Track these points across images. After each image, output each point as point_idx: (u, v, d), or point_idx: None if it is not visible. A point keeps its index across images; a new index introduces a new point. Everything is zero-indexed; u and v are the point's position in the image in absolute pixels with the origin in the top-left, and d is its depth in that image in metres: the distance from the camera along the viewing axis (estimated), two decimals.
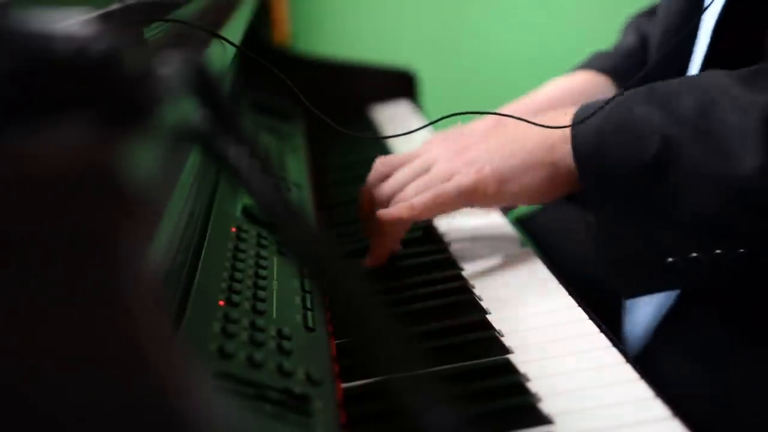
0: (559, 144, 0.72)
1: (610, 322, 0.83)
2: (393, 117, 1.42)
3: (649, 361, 0.78)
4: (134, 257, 0.27)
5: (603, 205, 0.68)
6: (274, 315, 0.61)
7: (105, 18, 0.66)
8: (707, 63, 0.76)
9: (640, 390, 0.54)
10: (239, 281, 0.64)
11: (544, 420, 0.52)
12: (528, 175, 0.73)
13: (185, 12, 0.84)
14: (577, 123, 0.70)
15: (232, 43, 0.67)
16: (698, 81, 0.68)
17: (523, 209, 1.18)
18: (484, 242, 0.83)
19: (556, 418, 0.52)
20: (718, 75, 0.67)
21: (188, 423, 0.25)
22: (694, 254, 0.65)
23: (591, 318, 0.64)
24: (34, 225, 0.26)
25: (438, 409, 0.30)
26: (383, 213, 0.75)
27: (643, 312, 0.83)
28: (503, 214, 0.89)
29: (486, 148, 0.75)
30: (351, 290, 0.33)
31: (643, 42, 1.01)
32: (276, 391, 0.50)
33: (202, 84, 0.35)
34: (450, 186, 0.73)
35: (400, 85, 1.52)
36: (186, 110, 0.35)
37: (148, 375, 0.25)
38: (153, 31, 0.65)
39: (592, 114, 0.70)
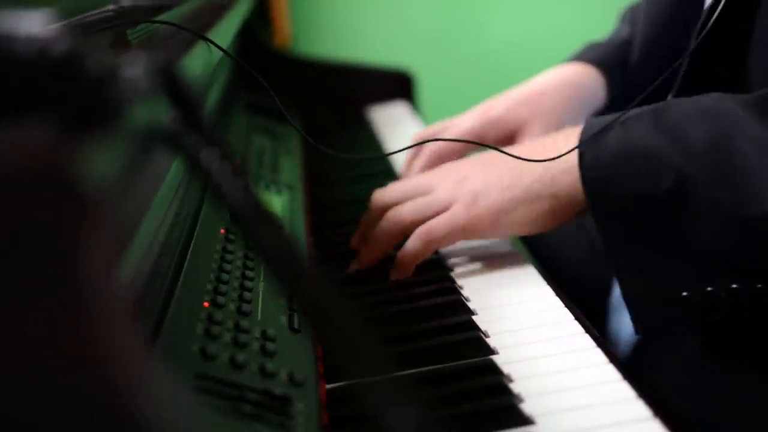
0: (561, 176, 0.70)
1: (595, 323, 0.83)
2: (390, 118, 1.42)
3: (638, 360, 0.78)
4: (91, 259, 0.27)
5: (615, 237, 0.67)
6: (259, 316, 0.61)
7: (93, 20, 0.66)
8: (692, 64, 0.75)
9: (623, 390, 0.54)
10: (225, 282, 0.64)
11: (525, 420, 0.52)
12: (526, 209, 0.72)
13: (176, 13, 0.85)
14: (583, 147, 0.68)
15: (216, 45, 0.67)
16: (707, 108, 0.65)
17: None
18: (475, 242, 0.82)
19: (539, 419, 0.52)
20: (727, 103, 0.65)
21: (143, 423, 0.25)
22: (711, 288, 0.63)
23: (577, 318, 0.64)
24: None
25: (402, 409, 0.30)
26: (367, 254, 0.76)
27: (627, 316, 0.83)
28: None
29: (484, 180, 0.73)
30: (317, 293, 0.33)
31: (635, 33, 1.01)
32: (256, 392, 0.50)
33: (171, 85, 0.35)
34: (442, 222, 0.73)
35: (398, 86, 1.52)
36: (155, 111, 0.35)
37: (104, 376, 0.25)
38: (139, 33, 0.65)
39: (598, 132, 0.68)
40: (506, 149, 0.75)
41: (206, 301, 0.60)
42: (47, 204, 0.26)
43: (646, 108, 0.68)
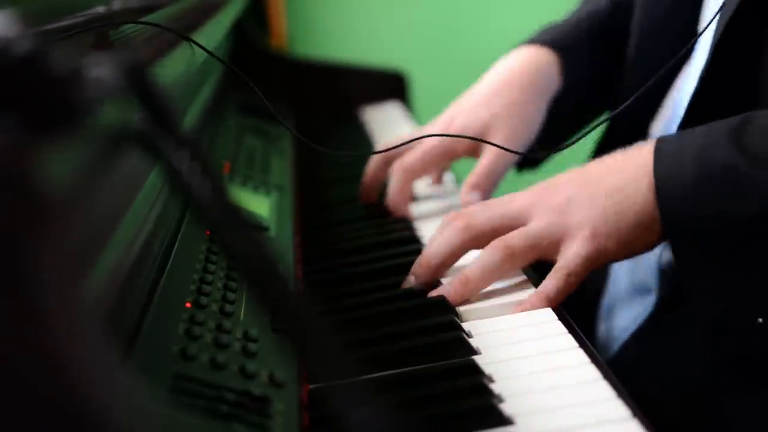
0: (649, 193, 0.67)
1: (584, 325, 0.83)
2: (383, 119, 1.42)
3: (624, 361, 0.78)
4: (51, 262, 0.27)
5: (693, 263, 0.65)
6: (242, 317, 0.62)
7: (78, 22, 0.66)
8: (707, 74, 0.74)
9: (603, 390, 0.54)
10: (209, 283, 0.64)
11: (504, 421, 0.52)
12: (639, 238, 0.68)
13: (165, 13, 0.85)
14: (659, 174, 0.66)
15: (198, 45, 0.67)
16: None
17: None
18: None
19: (518, 419, 0.52)
20: None
21: (93, 423, 0.25)
22: None
23: (561, 319, 0.64)
24: None
25: (368, 411, 0.30)
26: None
27: (622, 317, 0.83)
28: None
29: (587, 206, 0.68)
30: (286, 295, 0.33)
31: (594, 16, 1.01)
32: (234, 393, 0.50)
33: (139, 86, 0.35)
34: (578, 260, 0.67)
35: (392, 86, 1.52)
36: (123, 112, 0.35)
37: (57, 377, 0.25)
38: (122, 34, 0.65)
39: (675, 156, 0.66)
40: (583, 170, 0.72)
41: (188, 301, 0.60)
42: (5, 207, 0.26)
43: (721, 126, 0.66)
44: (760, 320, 0.62)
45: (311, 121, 1.43)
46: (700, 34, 0.73)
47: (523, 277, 0.72)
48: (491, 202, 0.74)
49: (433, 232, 0.76)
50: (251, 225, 0.36)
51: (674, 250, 0.65)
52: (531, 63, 0.95)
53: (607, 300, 0.92)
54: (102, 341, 0.30)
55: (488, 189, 0.87)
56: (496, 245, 0.69)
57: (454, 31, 2.27)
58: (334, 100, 1.52)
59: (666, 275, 0.80)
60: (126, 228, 0.53)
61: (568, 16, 1.03)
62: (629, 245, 0.68)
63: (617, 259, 0.71)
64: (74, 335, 0.26)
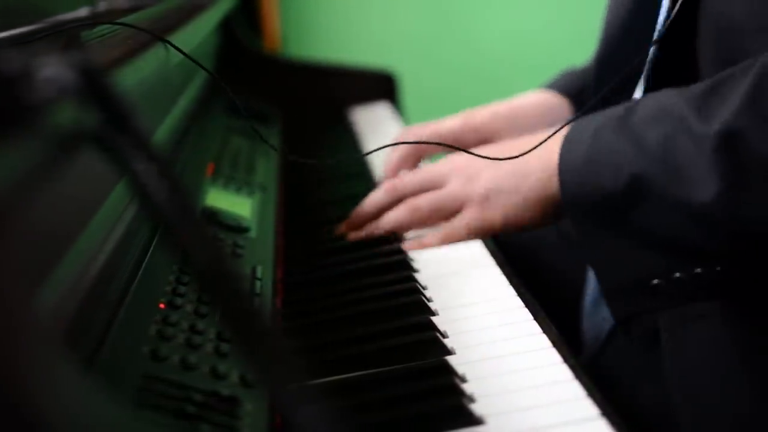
0: (550, 177, 0.76)
1: (568, 324, 0.83)
2: (372, 119, 1.42)
3: (603, 359, 0.78)
4: None
5: (588, 235, 0.72)
6: (217, 318, 0.61)
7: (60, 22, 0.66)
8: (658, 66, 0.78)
9: (573, 390, 0.54)
10: (185, 284, 0.64)
11: (474, 420, 0.52)
12: (530, 210, 0.78)
13: (147, 14, 0.85)
14: (563, 151, 0.74)
15: (173, 45, 0.67)
16: (661, 108, 0.70)
17: None
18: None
19: (489, 419, 0.52)
20: (676, 100, 0.69)
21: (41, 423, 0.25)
22: (678, 275, 0.68)
23: (536, 318, 0.64)
24: None
25: (314, 412, 0.30)
26: (374, 228, 0.84)
27: (601, 313, 0.84)
28: None
29: (494, 179, 0.80)
30: (238, 298, 0.33)
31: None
32: (202, 393, 0.50)
33: (93, 86, 0.35)
34: (460, 227, 0.81)
35: (381, 87, 1.52)
36: (76, 113, 0.35)
37: (7, 386, 0.25)
38: (97, 34, 0.65)
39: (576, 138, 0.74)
40: (489, 146, 0.84)
41: (162, 302, 0.60)
42: None
43: (616, 112, 0.73)
44: (655, 282, 0.69)
45: (300, 121, 1.43)
46: (654, 42, 0.77)
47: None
48: (420, 168, 0.89)
49: (414, 236, 0.83)
50: (207, 226, 0.35)
51: (572, 220, 0.73)
52: (551, 103, 1.02)
53: (588, 297, 0.92)
54: (56, 348, 0.30)
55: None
56: (406, 204, 0.84)
57: (444, 33, 2.27)
58: (324, 100, 1.52)
59: None
60: (98, 227, 0.53)
61: (585, 65, 1.06)
62: (519, 220, 0.79)
63: (504, 231, 0.80)
64: (24, 342, 0.26)
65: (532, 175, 0.77)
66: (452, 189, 0.82)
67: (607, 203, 0.70)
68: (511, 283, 0.71)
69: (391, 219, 0.84)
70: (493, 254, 0.78)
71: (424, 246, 0.81)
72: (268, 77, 1.52)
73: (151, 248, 0.66)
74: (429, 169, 0.86)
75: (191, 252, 0.35)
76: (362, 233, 0.85)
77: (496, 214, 0.79)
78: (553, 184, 0.75)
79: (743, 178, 0.64)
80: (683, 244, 0.67)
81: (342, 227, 0.87)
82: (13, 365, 0.25)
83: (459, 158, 0.85)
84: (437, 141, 0.95)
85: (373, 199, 0.87)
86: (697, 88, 0.69)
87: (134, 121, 0.37)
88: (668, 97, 0.70)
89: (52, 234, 0.42)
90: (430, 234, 0.82)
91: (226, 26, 1.52)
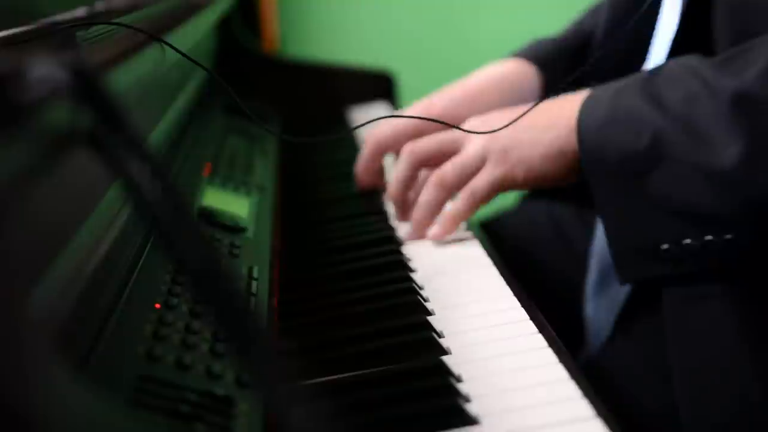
0: (569, 132, 0.76)
1: (566, 323, 0.83)
2: (369, 119, 1.42)
3: (608, 357, 0.79)
4: None
5: (603, 194, 0.72)
6: (204, 317, 0.61)
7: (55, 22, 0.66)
8: (676, 44, 0.79)
9: (569, 390, 0.54)
10: (181, 284, 0.64)
11: (469, 420, 0.52)
12: (550, 163, 0.77)
13: (145, 13, 0.84)
14: (583, 111, 0.75)
15: (169, 45, 0.67)
16: (684, 71, 0.71)
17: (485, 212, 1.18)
18: (440, 241, 0.83)
19: (484, 419, 0.52)
20: (700, 64, 0.70)
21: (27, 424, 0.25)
22: (687, 241, 0.68)
23: (532, 318, 0.64)
24: None
25: (304, 411, 0.30)
26: (421, 222, 0.83)
27: (603, 309, 0.84)
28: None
29: (513, 134, 0.79)
30: (230, 298, 0.33)
31: (579, 35, 1.02)
32: (196, 393, 0.50)
33: (86, 86, 0.35)
34: (483, 184, 0.79)
35: (379, 87, 1.52)
36: (69, 113, 0.35)
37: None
38: (94, 34, 0.65)
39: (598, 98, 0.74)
40: (492, 113, 0.83)
41: (158, 302, 0.60)
42: None
43: (639, 75, 0.74)
44: (664, 246, 0.69)
45: (298, 121, 1.43)
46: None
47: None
48: (437, 133, 0.87)
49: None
50: (200, 226, 0.35)
51: (589, 179, 0.73)
52: (516, 74, 0.97)
53: (590, 290, 0.92)
54: (51, 347, 0.30)
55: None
56: (432, 182, 0.82)
57: (442, 33, 2.27)
58: (322, 100, 1.52)
59: None
60: (93, 227, 0.53)
61: (557, 35, 1.04)
62: (539, 174, 0.78)
63: (526, 187, 0.81)
64: (19, 342, 0.26)
65: (551, 130, 0.77)
66: (474, 149, 0.81)
67: (626, 163, 0.70)
68: (508, 282, 0.71)
69: (423, 205, 0.83)
70: (490, 254, 0.78)
71: (453, 217, 0.81)
72: (266, 77, 1.52)
73: (148, 247, 0.66)
74: (445, 133, 0.85)
75: (184, 252, 0.35)
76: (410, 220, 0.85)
77: (517, 167, 0.78)
78: (572, 140, 0.75)
79: (763, 143, 0.64)
80: (697, 209, 0.67)
81: (396, 216, 0.88)
82: (7, 365, 0.25)
83: (473, 120, 0.84)
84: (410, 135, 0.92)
85: (398, 174, 0.86)
86: (721, 55, 0.69)
87: (127, 121, 0.37)
88: (692, 60, 0.71)
89: (47, 233, 0.42)
90: (451, 204, 0.82)
91: (224, 26, 1.52)
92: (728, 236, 0.66)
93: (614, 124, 0.71)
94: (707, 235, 0.67)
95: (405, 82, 1.58)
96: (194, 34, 0.90)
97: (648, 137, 0.69)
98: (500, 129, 0.77)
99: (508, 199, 1.20)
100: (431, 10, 2.27)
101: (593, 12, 1.03)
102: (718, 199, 0.66)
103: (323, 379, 0.59)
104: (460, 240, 0.83)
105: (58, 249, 0.44)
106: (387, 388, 0.56)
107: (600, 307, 0.85)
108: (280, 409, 0.29)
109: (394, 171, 0.86)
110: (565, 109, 0.76)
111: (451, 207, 0.82)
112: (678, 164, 0.68)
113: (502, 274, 0.74)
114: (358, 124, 0.86)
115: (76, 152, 0.38)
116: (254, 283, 0.71)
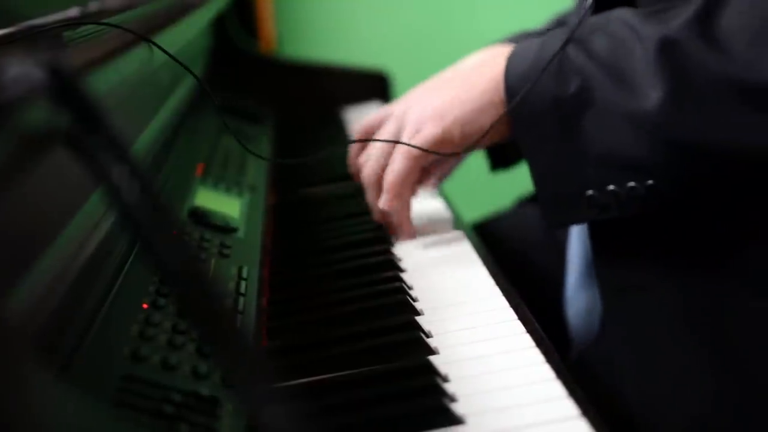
0: (498, 83, 0.76)
1: (555, 323, 0.83)
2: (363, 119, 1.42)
3: (592, 358, 0.78)
4: None
5: (530, 141, 0.73)
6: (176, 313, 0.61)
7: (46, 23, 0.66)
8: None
9: (555, 389, 0.54)
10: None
11: (455, 420, 0.52)
12: (484, 117, 0.77)
13: (136, 14, 0.84)
14: (509, 60, 0.76)
15: (157, 45, 0.67)
16: (611, 20, 0.72)
17: (480, 215, 1.18)
18: (430, 240, 0.83)
19: (470, 418, 0.52)
20: (629, 12, 0.71)
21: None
22: (611, 187, 0.69)
23: (520, 318, 0.64)
24: None
25: (279, 410, 0.30)
26: (383, 206, 0.81)
27: (579, 305, 0.84)
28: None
29: (448, 96, 0.79)
30: (205, 300, 0.33)
31: (558, 22, 1.02)
32: (181, 393, 0.50)
33: (62, 86, 0.35)
34: (419, 143, 0.78)
35: (374, 86, 1.52)
36: (46, 113, 0.35)
37: None
38: (82, 34, 0.65)
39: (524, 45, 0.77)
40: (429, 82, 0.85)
41: (145, 302, 0.60)
42: None
43: (567, 26, 0.75)
44: (589, 193, 0.70)
45: (293, 120, 1.43)
46: None
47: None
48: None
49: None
50: (180, 228, 0.35)
51: (516, 127, 0.74)
52: (495, 56, 0.95)
53: (568, 292, 0.92)
54: (33, 348, 0.30)
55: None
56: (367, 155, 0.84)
57: (437, 33, 2.27)
58: (316, 100, 1.52)
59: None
60: (80, 226, 0.53)
61: (543, 26, 1.04)
62: (473, 128, 0.77)
63: (464, 144, 0.78)
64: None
65: (479, 85, 0.78)
66: (410, 116, 0.81)
67: (553, 108, 0.71)
68: (497, 282, 0.71)
69: (366, 171, 0.83)
70: (480, 254, 0.78)
71: (393, 196, 0.79)
72: (261, 77, 1.52)
73: (136, 247, 0.66)
74: (386, 107, 0.88)
75: (161, 253, 0.35)
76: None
77: (452, 125, 0.78)
78: (501, 91, 0.76)
79: (685, 88, 0.65)
80: (621, 153, 0.68)
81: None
82: None
83: (420, 86, 0.86)
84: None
85: (354, 148, 0.90)
86: (648, 8, 0.70)
87: (106, 121, 0.37)
88: (620, 11, 0.72)
89: (32, 232, 0.42)
90: (393, 165, 0.81)
91: (219, 26, 1.52)
92: (650, 182, 0.68)
93: (539, 68, 0.72)
94: (630, 181, 0.68)
95: (400, 82, 1.58)
96: (186, 33, 0.90)
97: (576, 83, 0.70)
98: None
99: (503, 202, 1.21)
100: (427, 11, 2.27)
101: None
102: (641, 143, 0.67)
103: (311, 378, 0.59)
104: (450, 240, 0.83)
105: (41, 249, 0.44)
106: (373, 388, 0.56)
107: (579, 310, 0.85)
108: (256, 409, 0.29)
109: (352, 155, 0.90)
110: (496, 62, 0.77)
111: (387, 171, 0.81)
112: (604, 109, 0.68)
113: (492, 274, 0.74)
114: (353, 137, 0.88)
115: (60, 152, 0.38)
116: (243, 283, 0.71)
